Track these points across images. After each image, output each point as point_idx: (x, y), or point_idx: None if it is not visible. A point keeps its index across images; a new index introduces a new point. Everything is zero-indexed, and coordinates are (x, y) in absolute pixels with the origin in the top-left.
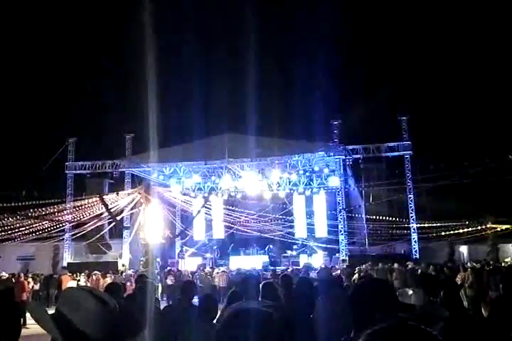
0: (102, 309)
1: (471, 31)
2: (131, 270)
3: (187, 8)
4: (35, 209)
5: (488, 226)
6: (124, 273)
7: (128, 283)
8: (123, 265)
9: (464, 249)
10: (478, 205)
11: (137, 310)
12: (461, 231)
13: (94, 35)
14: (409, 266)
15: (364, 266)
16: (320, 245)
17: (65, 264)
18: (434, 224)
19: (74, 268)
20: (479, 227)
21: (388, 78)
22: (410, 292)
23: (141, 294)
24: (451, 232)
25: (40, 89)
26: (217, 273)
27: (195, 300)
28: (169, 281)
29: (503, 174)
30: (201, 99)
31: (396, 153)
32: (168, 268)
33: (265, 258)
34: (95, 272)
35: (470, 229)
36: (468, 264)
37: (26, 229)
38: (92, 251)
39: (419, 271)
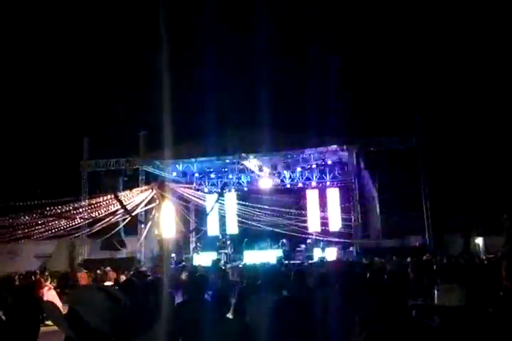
0: (114, 307)
1: (481, 27)
2: (147, 266)
3: (199, 4)
4: (51, 208)
5: (504, 217)
6: (139, 270)
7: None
8: (138, 261)
9: (479, 241)
10: (493, 196)
11: (150, 306)
12: (476, 222)
13: (106, 34)
14: (425, 258)
15: (378, 259)
16: (333, 239)
17: (81, 261)
18: (449, 216)
19: (90, 265)
20: (495, 219)
21: (401, 70)
22: (451, 287)
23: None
24: (467, 224)
25: (54, 89)
26: (232, 267)
27: (208, 296)
28: (184, 276)
29: None
30: (213, 95)
31: (409, 145)
32: (183, 263)
33: (279, 253)
34: (109, 268)
35: (486, 220)
36: (483, 257)
37: (42, 227)
38: (107, 248)
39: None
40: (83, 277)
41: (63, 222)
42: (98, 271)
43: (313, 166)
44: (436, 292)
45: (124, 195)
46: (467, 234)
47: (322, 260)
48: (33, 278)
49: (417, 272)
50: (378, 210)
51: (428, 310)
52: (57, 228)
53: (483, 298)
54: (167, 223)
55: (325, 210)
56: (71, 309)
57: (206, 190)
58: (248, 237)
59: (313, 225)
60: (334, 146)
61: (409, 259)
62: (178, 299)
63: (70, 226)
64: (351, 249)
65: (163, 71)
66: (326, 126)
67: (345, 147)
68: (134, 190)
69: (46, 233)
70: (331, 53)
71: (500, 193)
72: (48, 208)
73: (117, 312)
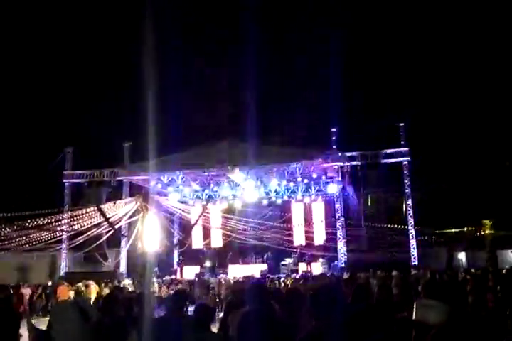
0: (83, 323)
1: (465, 36)
2: (129, 279)
3: (186, 15)
4: (33, 219)
5: (486, 232)
6: (121, 283)
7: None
8: (121, 274)
9: (462, 256)
10: (476, 211)
11: (131, 321)
12: (459, 237)
13: (90, 44)
14: (413, 273)
15: (363, 273)
16: (318, 253)
17: (62, 274)
18: (433, 231)
19: (71, 278)
20: (477, 233)
21: (386, 85)
22: (433, 303)
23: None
24: (450, 238)
25: (37, 99)
26: (216, 281)
27: (191, 310)
28: (171, 291)
29: (501, 180)
30: (199, 108)
31: (394, 160)
32: (168, 277)
33: (264, 267)
34: (90, 282)
35: (468, 235)
36: (463, 273)
37: (23, 239)
38: (89, 261)
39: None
40: (64, 290)
41: (44, 234)
42: (80, 284)
43: (299, 179)
44: (415, 306)
45: (107, 207)
46: (451, 249)
47: (305, 274)
48: (10, 291)
49: (401, 286)
50: (363, 224)
51: (406, 325)
52: (38, 240)
53: (465, 315)
54: (150, 236)
55: (310, 224)
56: (49, 322)
57: (191, 202)
58: (232, 251)
59: (298, 239)
60: (319, 160)
61: (394, 273)
62: (162, 314)
63: (51, 239)
64: (336, 262)
65: (148, 82)
66: (311, 140)
67: (330, 161)
68: (118, 202)
69: (26, 245)
70: (318, 66)
71: (483, 208)
72: (28, 220)
73: (86, 328)
